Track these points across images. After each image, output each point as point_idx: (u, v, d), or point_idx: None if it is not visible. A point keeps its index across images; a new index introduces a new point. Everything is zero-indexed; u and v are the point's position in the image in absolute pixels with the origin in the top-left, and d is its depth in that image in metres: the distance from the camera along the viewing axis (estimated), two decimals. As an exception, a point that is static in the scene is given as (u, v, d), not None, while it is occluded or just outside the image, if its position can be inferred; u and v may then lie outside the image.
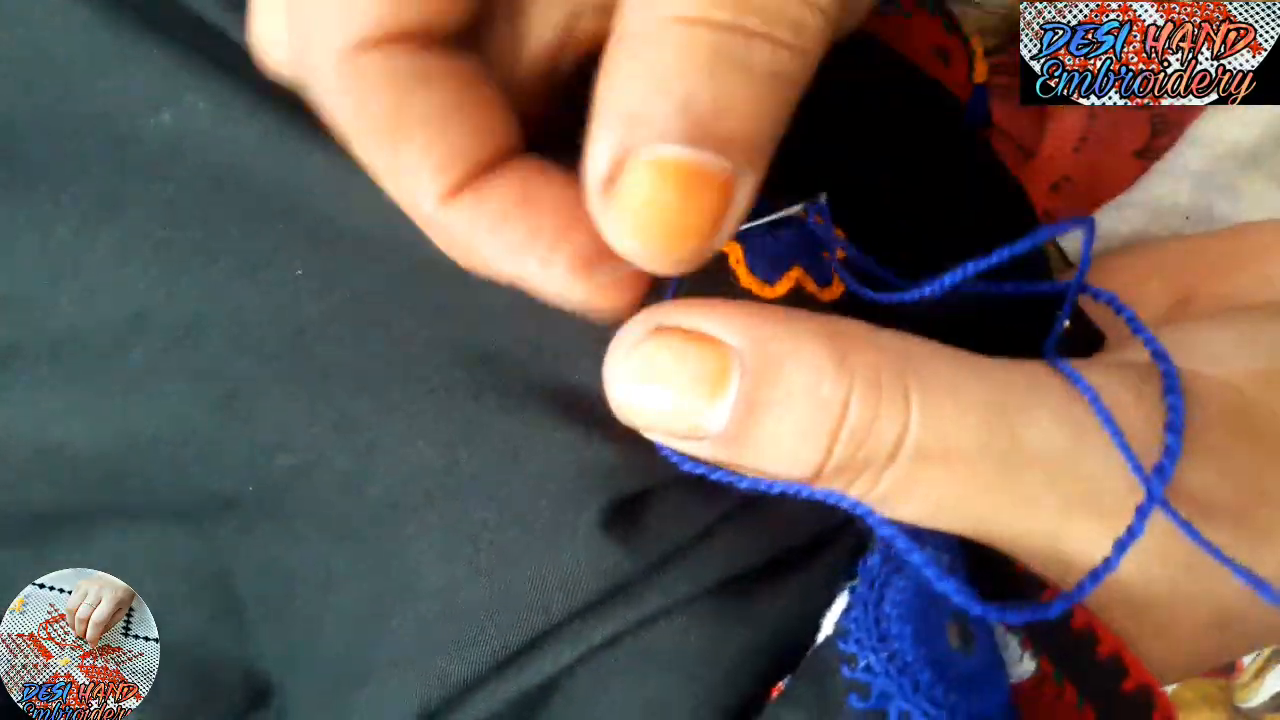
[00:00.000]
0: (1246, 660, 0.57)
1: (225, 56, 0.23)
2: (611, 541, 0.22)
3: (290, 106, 0.23)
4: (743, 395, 0.19)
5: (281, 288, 0.23)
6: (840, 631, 0.21)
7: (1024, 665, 0.21)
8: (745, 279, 0.22)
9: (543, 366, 0.23)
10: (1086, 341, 0.30)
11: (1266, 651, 0.56)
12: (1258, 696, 0.65)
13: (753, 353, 0.19)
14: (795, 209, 0.23)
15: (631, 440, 0.22)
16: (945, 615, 0.20)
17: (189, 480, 0.24)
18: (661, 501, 0.23)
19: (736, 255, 0.22)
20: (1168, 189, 0.36)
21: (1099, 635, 0.21)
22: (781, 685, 0.22)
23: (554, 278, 0.20)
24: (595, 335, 0.22)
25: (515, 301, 0.22)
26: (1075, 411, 0.20)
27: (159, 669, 0.25)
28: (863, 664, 0.20)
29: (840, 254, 0.24)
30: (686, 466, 0.22)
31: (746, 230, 0.23)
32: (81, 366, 0.24)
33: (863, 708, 0.19)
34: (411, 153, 0.19)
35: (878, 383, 0.19)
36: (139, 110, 0.23)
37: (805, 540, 0.23)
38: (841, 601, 0.22)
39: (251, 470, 0.24)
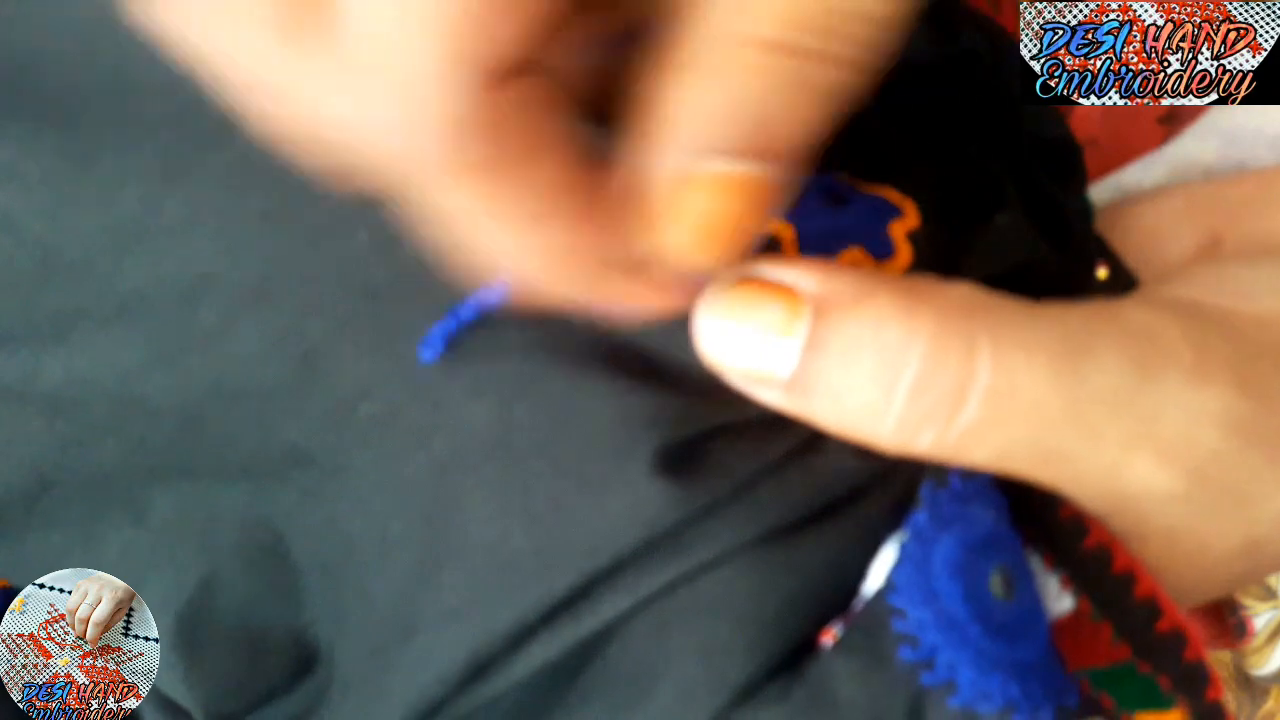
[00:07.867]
0: (1259, 624, 0.57)
1: None
2: (655, 491, 0.22)
3: None
4: (810, 339, 0.20)
5: (347, 254, 0.24)
6: (890, 585, 0.22)
7: (1062, 603, 0.23)
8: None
9: (586, 325, 0.24)
10: (1122, 286, 0.30)
11: (1279, 619, 0.56)
12: (1269, 664, 0.65)
13: (822, 298, 0.20)
14: None
15: (671, 392, 0.23)
16: (991, 566, 0.21)
17: (270, 432, 0.25)
18: (704, 454, 0.23)
19: (789, 236, 0.23)
20: (1194, 146, 0.35)
21: (1138, 577, 0.22)
22: (832, 630, 0.23)
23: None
24: None
25: None
26: (1134, 350, 0.21)
27: (210, 643, 0.26)
28: (913, 618, 0.21)
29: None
30: None
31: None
32: (153, 325, 0.24)
33: (913, 658, 0.20)
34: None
35: (944, 331, 0.20)
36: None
37: (844, 491, 0.24)
38: (890, 553, 0.22)
39: (334, 420, 0.24)
